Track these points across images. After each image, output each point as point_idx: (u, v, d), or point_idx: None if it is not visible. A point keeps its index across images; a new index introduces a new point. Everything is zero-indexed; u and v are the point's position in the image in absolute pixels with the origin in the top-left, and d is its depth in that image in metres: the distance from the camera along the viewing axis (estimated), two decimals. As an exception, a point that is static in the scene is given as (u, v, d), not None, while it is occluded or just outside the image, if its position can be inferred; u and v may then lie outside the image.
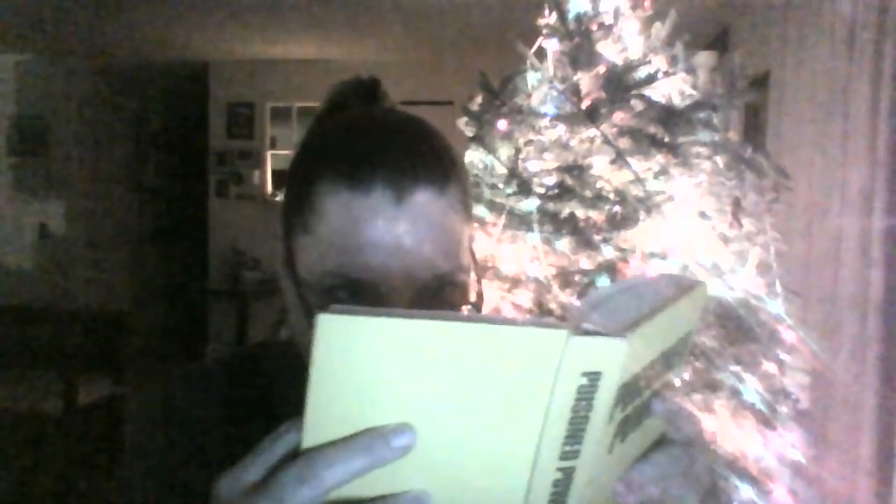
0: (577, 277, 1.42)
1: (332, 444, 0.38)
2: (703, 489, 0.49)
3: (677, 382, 0.41)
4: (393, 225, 0.56)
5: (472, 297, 0.63)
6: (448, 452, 0.39)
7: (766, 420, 1.39)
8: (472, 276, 0.63)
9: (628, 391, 0.42)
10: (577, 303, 0.42)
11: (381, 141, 0.59)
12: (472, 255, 0.64)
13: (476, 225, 1.51)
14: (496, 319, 0.37)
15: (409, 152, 0.58)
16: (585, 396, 0.39)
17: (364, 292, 0.56)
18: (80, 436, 3.46)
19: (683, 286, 0.46)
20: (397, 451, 0.38)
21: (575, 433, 0.40)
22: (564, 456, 0.40)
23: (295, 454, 0.40)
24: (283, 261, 0.63)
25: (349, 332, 0.36)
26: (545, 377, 0.38)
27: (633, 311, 0.41)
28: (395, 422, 0.38)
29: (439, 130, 0.65)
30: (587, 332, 0.38)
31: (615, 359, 0.39)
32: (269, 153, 6.04)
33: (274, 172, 6.06)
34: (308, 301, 0.59)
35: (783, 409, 1.42)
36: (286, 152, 6.04)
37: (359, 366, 0.37)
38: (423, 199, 0.57)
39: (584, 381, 0.38)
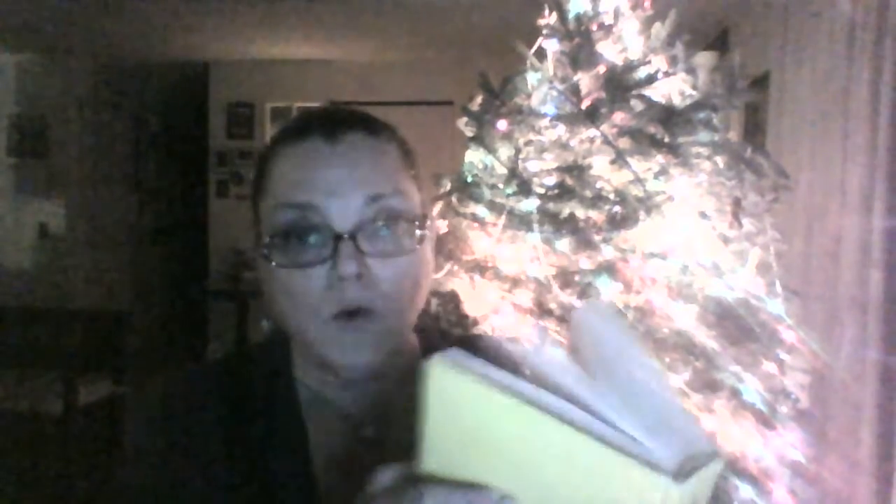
0: (577, 277, 1.42)
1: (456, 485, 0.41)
2: None
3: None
4: (328, 158, 0.66)
5: (429, 256, 0.71)
6: None
7: (766, 420, 1.39)
8: (429, 236, 0.71)
9: None
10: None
11: (320, 109, 0.74)
12: (427, 213, 0.72)
13: (476, 225, 1.51)
14: (607, 436, 0.38)
15: (342, 111, 0.72)
16: None
17: (310, 217, 0.65)
18: (80, 436, 3.46)
19: (706, 452, 0.45)
20: None
21: None
22: None
23: None
24: (255, 244, 0.72)
25: (455, 387, 0.39)
26: None
27: (691, 456, 0.42)
28: (494, 481, 0.41)
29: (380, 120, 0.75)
30: (684, 475, 0.39)
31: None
32: (269, 153, 6.03)
33: (274, 172, 6.05)
34: (270, 254, 0.68)
35: (783, 409, 1.42)
36: (286, 152, 6.04)
37: (465, 419, 0.40)
38: (354, 138, 0.68)
39: None
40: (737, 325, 1.40)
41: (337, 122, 0.69)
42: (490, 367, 0.39)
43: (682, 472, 0.39)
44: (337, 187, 0.65)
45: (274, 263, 0.67)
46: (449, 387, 0.38)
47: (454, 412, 0.39)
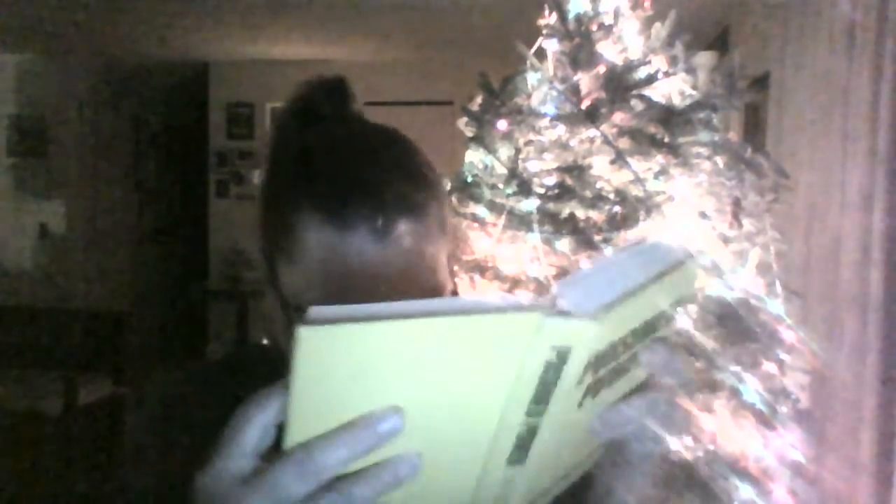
0: (577, 277, 1.41)
1: (324, 436, 0.40)
2: (679, 433, 0.51)
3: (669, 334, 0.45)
4: (374, 258, 0.58)
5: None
6: (428, 422, 0.42)
7: (766, 420, 1.39)
8: (449, 286, 0.66)
9: (601, 358, 0.44)
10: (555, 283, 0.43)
11: (359, 172, 0.60)
12: (450, 262, 0.67)
13: (476, 225, 1.51)
14: (472, 307, 0.39)
15: (387, 184, 0.59)
16: (554, 367, 0.41)
17: None
18: (80, 436, 3.46)
19: (672, 260, 0.48)
20: (386, 435, 0.40)
21: (541, 396, 0.42)
22: (530, 412, 0.43)
23: (264, 439, 0.42)
24: (266, 275, 0.66)
25: (330, 342, 0.37)
26: (516, 352, 0.40)
27: (613, 290, 0.43)
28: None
29: (409, 140, 0.66)
30: (560, 313, 0.40)
31: (585, 338, 0.41)
32: (269, 153, 6.04)
33: (274, 172, 6.06)
34: (294, 319, 0.60)
35: (783, 409, 1.42)
36: (286, 152, 6.04)
37: (341, 369, 0.38)
38: (403, 230, 0.59)
39: (553, 354, 0.41)
40: (737, 325, 1.40)
41: (386, 207, 0.58)
42: (357, 307, 0.38)
43: (597, 311, 0.40)
44: (381, 296, 0.59)
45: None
46: (316, 343, 0.37)
47: (326, 370, 0.38)
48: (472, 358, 0.40)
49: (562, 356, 0.41)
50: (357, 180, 0.59)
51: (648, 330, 0.48)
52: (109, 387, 3.64)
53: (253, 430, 0.42)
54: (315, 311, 0.37)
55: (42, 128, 5.44)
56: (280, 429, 0.41)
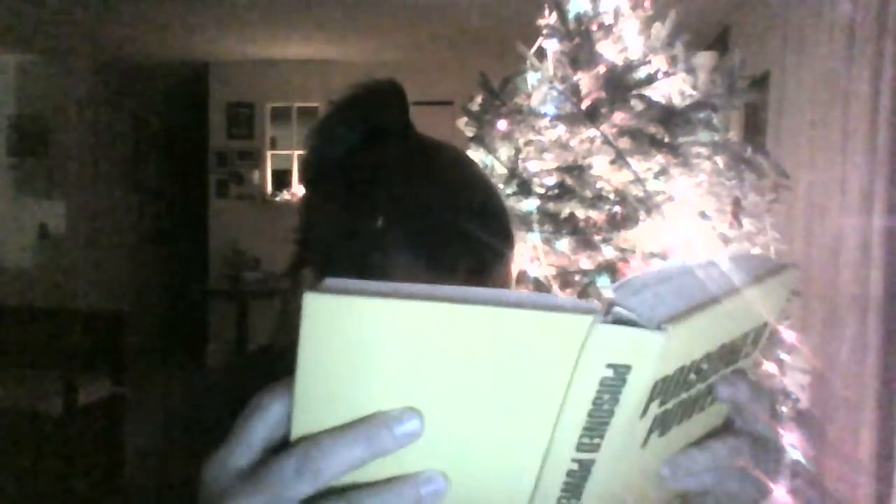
0: (577, 277, 1.42)
1: (329, 432, 0.35)
2: (764, 494, 0.43)
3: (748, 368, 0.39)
4: None
5: None
6: (454, 437, 0.36)
7: (766, 420, 1.38)
8: None
9: (671, 385, 0.37)
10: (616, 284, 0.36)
11: (454, 211, 0.57)
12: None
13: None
14: (512, 299, 0.33)
15: (481, 220, 0.58)
16: (610, 389, 0.35)
17: None
18: (80, 436, 3.45)
19: (762, 272, 0.40)
20: (401, 439, 0.35)
21: (596, 426, 0.36)
22: (582, 448, 0.36)
23: (275, 431, 0.38)
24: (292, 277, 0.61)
25: (341, 314, 0.33)
26: (564, 365, 0.34)
27: (686, 299, 0.36)
28: (396, 407, 0.35)
29: (471, 157, 0.65)
30: (619, 321, 0.34)
31: (649, 353, 0.34)
32: (269, 153, 6.04)
33: (274, 172, 6.06)
34: None
35: (783, 409, 1.42)
36: (286, 152, 6.04)
37: (352, 349, 0.33)
38: (499, 269, 0.59)
39: (610, 373, 0.34)
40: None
41: (484, 251, 0.57)
42: (378, 284, 0.33)
43: (664, 321, 0.33)
44: None
45: None
46: (327, 314, 0.32)
47: (333, 348, 0.33)
48: (507, 366, 0.34)
49: (620, 375, 0.34)
50: (454, 220, 0.57)
51: (727, 357, 0.41)
52: (109, 387, 3.63)
53: (259, 422, 0.38)
54: (330, 281, 0.33)
55: (42, 128, 5.44)
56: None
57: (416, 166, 0.60)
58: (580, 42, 1.51)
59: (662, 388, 0.37)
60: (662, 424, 0.39)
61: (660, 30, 1.55)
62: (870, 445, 1.95)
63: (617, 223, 1.42)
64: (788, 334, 1.45)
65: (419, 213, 0.57)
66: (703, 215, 1.44)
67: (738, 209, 1.47)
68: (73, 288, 5.45)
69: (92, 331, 3.69)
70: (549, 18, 1.60)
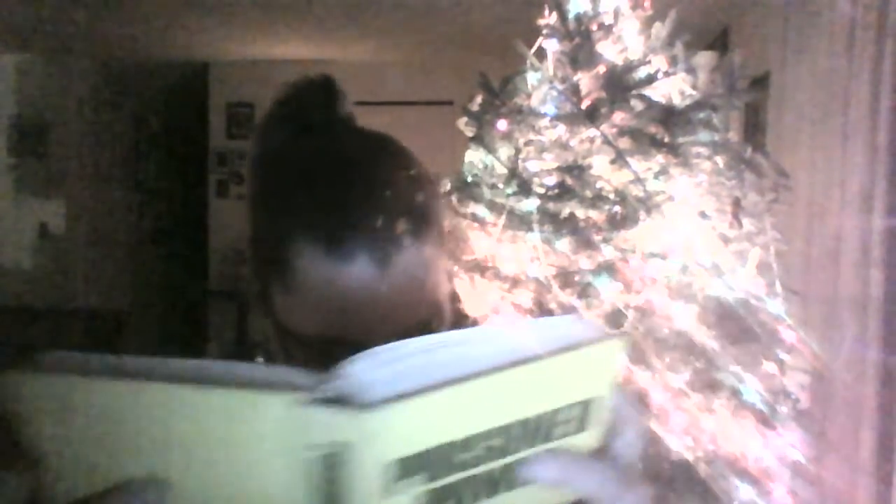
0: (577, 277, 1.42)
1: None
2: None
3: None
4: (375, 288, 0.56)
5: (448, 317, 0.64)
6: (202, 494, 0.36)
7: (766, 420, 1.39)
8: (448, 304, 0.64)
9: (436, 461, 0.35)
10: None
11: (358, 199, 0.57)
12: (448, 265, 0.65)
13: (476, 225, 1.51)
14: (208, 372, 0.33)
15: (387, 210, 0.56)
16: (328, 468, 0.34)
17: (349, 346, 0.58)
18: (80, 436, 3.46)
19: (575, 341, 0.38)
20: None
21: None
22: None
23: None
24: (258, 295, 0.64)
25: (41, 390, 0.33)
26: (267, 443, 0.33)
27: (446, 373, 0.34)
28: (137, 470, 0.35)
29: (404, 150, 0.64)
30: (332, 399, 0.33)
31: (361, 433, 0.33)
32: (269, 153, 6.04)
33: (274, 172, 6.06)
34: (289, 344, 0.60)
35: (783, 409, 1.42)
36: (286, 152, 6.05)
37: (64, 422, 0.34)
38: (405, 258, 0.57)
39: (322, 451, 0.33)
40: (737, 325, 1.40)
41: (387, 236, 0.56)
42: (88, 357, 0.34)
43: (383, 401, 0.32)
44: (383, 324, 0.56)
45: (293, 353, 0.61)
46: (52, 392, 0.33)
47: (65, 418, 0.34)
48: (211, 440, 0.34)
49: (336, 454, 0.33)
50: (356, 209, 0.57)
51: (534, 433, 0.38)
52: (109, 387, 3.63)
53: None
54: (50, 357, 0.34)
55: (42, 128, 5.44)
56: None
57: (329, 156, 0.61)
58: (580, 42, 1.51)
59: (420, 465, 0.35)
60: (443, 499, 0.37)
61: (660, 30, 1.55)
62: (870, 445, 1.95)
63: (617, 223, 1.42)
64: (788, 334, 1.46)
65: (320, 205, 0.57)
66: (703, 215, 1.44)
67: (738, 209, 1.47)
68: (73, 288, 5.45)
69: (92, 331, 3.69)
70: (549, 18, 1.60)
